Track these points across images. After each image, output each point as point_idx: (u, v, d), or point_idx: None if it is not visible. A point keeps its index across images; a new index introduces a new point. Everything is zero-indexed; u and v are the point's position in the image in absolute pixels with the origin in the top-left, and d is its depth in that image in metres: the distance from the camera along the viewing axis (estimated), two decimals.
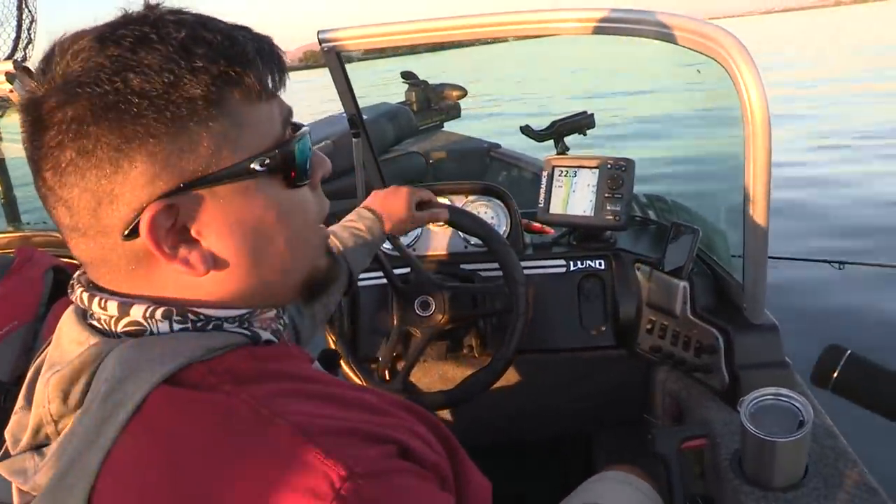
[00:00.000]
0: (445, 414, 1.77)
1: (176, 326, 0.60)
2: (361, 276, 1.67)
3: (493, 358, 1.44)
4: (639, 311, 1.59)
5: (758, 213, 1.20)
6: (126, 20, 0.57)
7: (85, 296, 0.62)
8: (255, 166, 0.59)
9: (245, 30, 0.61)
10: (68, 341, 0.61)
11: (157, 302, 0.60)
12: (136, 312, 0.60)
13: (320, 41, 1.50)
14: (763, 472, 1.11)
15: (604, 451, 1.85)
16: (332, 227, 1.27)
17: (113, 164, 0.54)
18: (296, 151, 0.63)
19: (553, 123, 2.69)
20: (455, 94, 4.74)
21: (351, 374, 1.49)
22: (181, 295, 0.61)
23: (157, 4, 0.59)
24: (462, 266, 1.69)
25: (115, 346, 0.58)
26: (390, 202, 1.34)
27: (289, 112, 0.65)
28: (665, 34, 1.22)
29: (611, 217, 1.61)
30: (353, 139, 1.75)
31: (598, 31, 1.34)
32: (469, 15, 1.46)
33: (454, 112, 4.84)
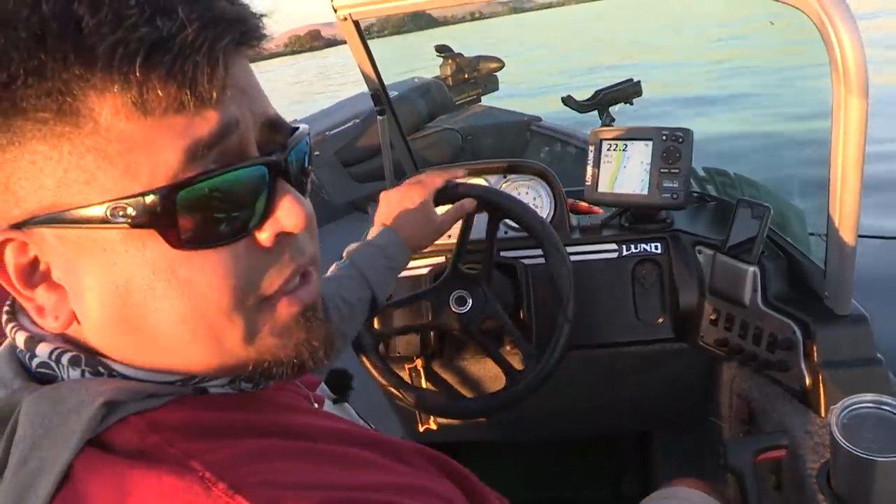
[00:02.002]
0: None
1: (88, 378, 0.47)
2: None
3: (545, 351, 1.29)
4: (701, 299, 1.42)
5: (848, 185, 1.02)
6: None
7: (4, 319, 0.50)
8: (112, 215, 0.42)
9: (184, 3, 0.42)
10: None
11: (68, 342, 0.48)
12: (43, 351, 0.47)
13: (335, 8, 1.35)
14: (859, 495, 0.95)
15: (662, 453, 1.70)
16: (351, 247, 1.11)
17: None
18: (178, 200, 0.43)
19: (597, 93, 2.52)
20: (492, 65, 4.56)
21: (379, 377, 1.35)
22: (91, 342, 0.48)
23: None
24: (501, 253, 1.53)
25: (30, 393, 0.46)
26: (409, 218, 1.15)
27: (214, 132, 0.44)
28: None
29: (667, 195, 1.43)
30: (378, 117, 1.60)
31: None
32: None
33: (492, 85, 4.67)
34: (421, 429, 1.58)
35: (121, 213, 0.42)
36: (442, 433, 1.59)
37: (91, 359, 0.47)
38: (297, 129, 0.53)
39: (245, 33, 0.45)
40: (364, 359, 1.34)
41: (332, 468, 0.47)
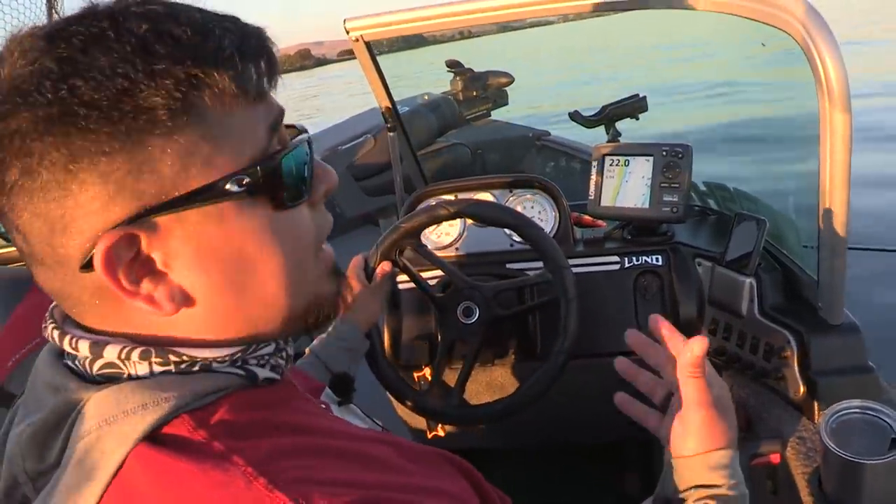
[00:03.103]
0: None
1: (157, 369, 0.52)
2: (399, 279, 1.59)
3: (551, 353, 1.32)
4: (700, 310, 1.46)
5: (836, 198, 1.07)
6: (87, 13, 0.48)
7: (56, 333, 0.54)
8: (231, 187, 0.50)
9: (228, 21, 0.51)
10: (43, 386, 0.54)
11: (134, 340, 0.52)
12: (111, 353, 0.51)
13: (347, 30, 1.41)
14: (849, 497, 0.98)
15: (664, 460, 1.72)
16: (314, 342, 1.23)
17: (61, 186, 0.46)
18: (283, 167, 0.53)
19: (603, 108, 2.55)
20: (502, 80, 4.61)
21: (387, 386, 1.40)
22: (160, 332, 0.53)
23: None
24: (508, 265, 1.58)
25: (93, 393, 0.50)
26: (354, 303, 1.29)
27: (278, 117, 0.54)
28: (724, 4, 1.09)
29: (668, 209, 1.48)
30: (389, 133, 1.66)
31: (652, 4, 1.22)
32: None
33: (501, 100, 4.72)
34: (429, 435, 1.62)
35: (238, 184, 0.50)
36: (449, 439, 1.63)
37: (161, 350, 0.52)
38: (293, 125, 0.63)
39: (274, 44, 0.55)
40: (373, 367, 1.38)
41: (358, 467, 0.51)
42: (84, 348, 0.52)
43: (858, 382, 1.16)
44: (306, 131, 0.59)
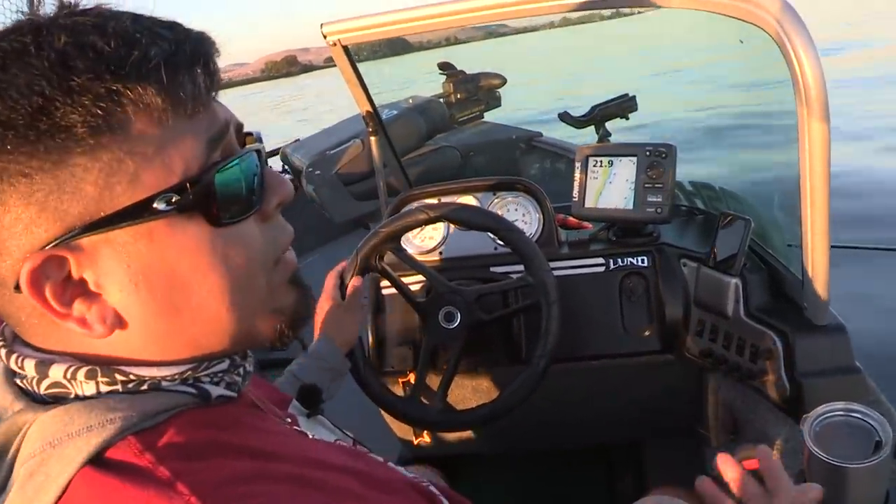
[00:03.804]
0: None
1: (104, 388, 0.50)
2: (384, 285, 1.58)
3: (533, 357, 1.31)
4: (686, 311, 1.44)
5: (816, 196, 1.05)
6: (15, 27, 0.46)
7: (3, 352, 0.53)
8: (159, 205, 0.48)
9: (164, 28, 0.49)
10: None
11: (80, 360, 0.50)
12: (56, 373, 0.50)
13: (324, 34, 1.40)
14: (832, 502, 0.96)
15: (653, 463, 1.71)
16: (292, 365, 1.20)
17: None
18: (216, 182, 0.50)
19: (593, 108, 2.54)
20: (494, 82, 4.58)
21: (370, 394, 1.38)
22: (103, 352, 0.51)
23: (75, 3, 0.48)
24: (492, 269, 1.56)
25: (39, 414, 0.49)
26: (330, 321, 1.26)
27: (223, 128, 0.52)
28: (700, 2, 1.08)
29: (652, 209, 1.46)
30: (371, 138, 1.64)
31: (632, 3, 1.20)
32: None
33: (494, 102, 4.69)
34: (416, 441, 1.60)
35: (167, 202, 0.48)
36: (436, 446, 1.61)
37: (107, 369, 0.50)
38: (251, 133, 0.60)
39: (216, 50, 0.52)
40: (356, 375, 1.37)
41: (309, 492, 0.49)
42: (30, 367, 0.51)
43: (845, 383, 1.14)
44: (260, 140, 0.58)
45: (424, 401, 1.38)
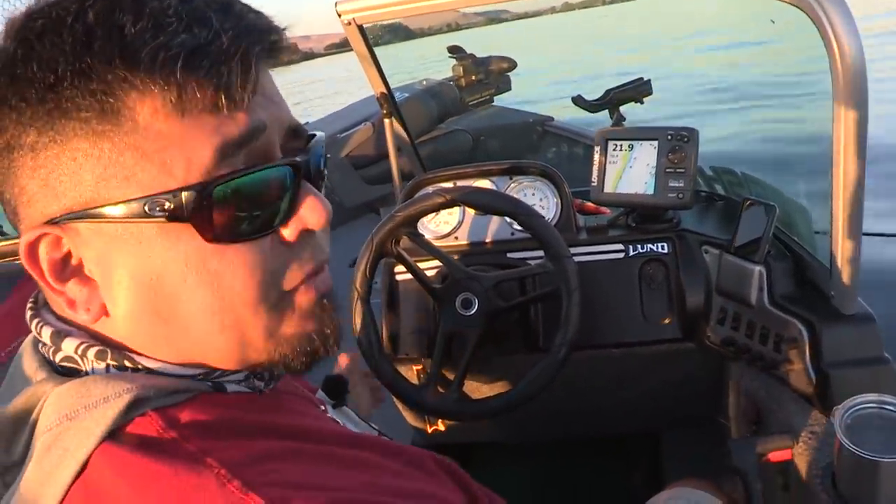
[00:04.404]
0: None
1: (113, 373, 0.49)
2: (398, 270, 1.55)
3: (553, 345, 1.29)
4: (708, 299, 1.41)
5: (850, 184, 1.02)
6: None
7: (29, 315, 0.53)
8: (148, 209, 0.44)
9: (218, 11, 0.45)
10: (19, 374, 0.52)
11: (93, 338, 0.50)
12: (69, 346, 0.49)
13: (339, 13, 1.37)
14: (864, 496, 0.94)
15: (671, 453, 1.69)
16: None
17: (4, 172, 0.46)
18: (215, 196, 0.45)
19: (607, 92, 2.50)
20: (504, 66, 4.54)
21: (384, 381, 1.36)
22: (116, 336, 0.50)
23: None
24: (509, 255, 1.53)
25: (56, 386, 0.48)
26: (356, 394, 1.21)
27: (244, 132, 0.47)
28: None
29: (674, 195, 1.42)
30: (385, 120, 1.61)
31: None
32: None
33: (504, 86, 4.65)
34: (429, 430, 1.58)
35: (158, 207, 0.45)
36: (450, 434, 1.59)
37: (117, 353, 0.49)
38: (315, 135, 0.56)
39: (274, 43, 0.48)
40: (370, 363, 1.34)
41: (338, 470, 0.49)
42: (46, 336, 0.51)
43: (873, 374, 1.11)
44: (300, 154, 0.51)
45: (440, 389, 1.36)
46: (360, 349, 1.34)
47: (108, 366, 0.49)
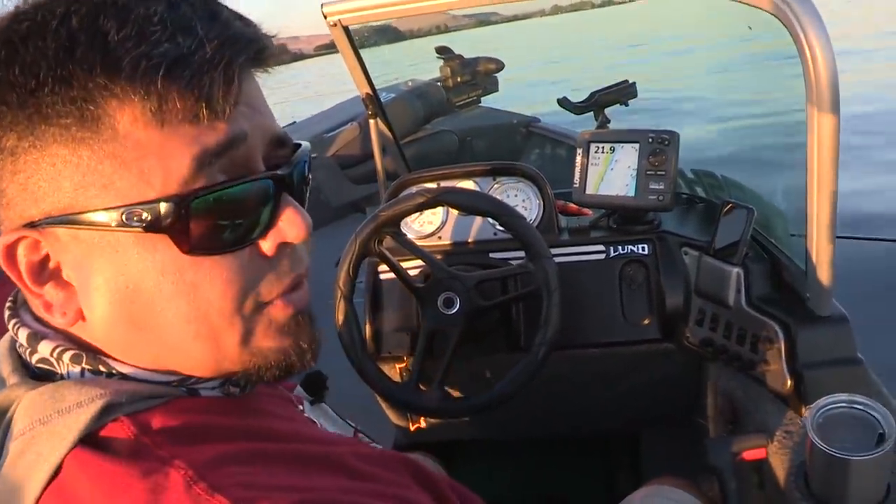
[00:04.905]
0: None
1: (88, 376, 0.50)
2: (382, 269, 1.56)
3: (532, 344, 1.30)
4: (687, 300, 1.43)
5: (823, 185, 1.04)
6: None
7: (7, 315, 0.53)
8: (126, 219, 0.44)
9: (203, 19, 0.45)
10: None
11: (70, 341, 0.50)
12: (45, 349, 0.50)
13: (325, 15, 1.38)
14: (834, 493, 0.96)
15: (652, 453, 1.71)
16: None
17: None
18: (192, 208, 0.45)
19: (592, 94, 2.52)
20: (491, 67, 4.56)
21: (367, 380, 1.37)
22: (91, 339, 0.50)
23: None
24: (491, 255, 1.55)
25: (29, 390, 0.48)
26: None
27: (221, 142, 0.46)
28: None
29: (654, 197, 1.44)
30: (370, 121, 1.62)
31: None
32: None
33: (492, 87, 4.66)
34: (412, 427, 1.60)
35: (135, 217, 0.45)
36: (433, 432, 1.61)
37: (92, 357, 0.49)
38: (300, 145, 0.56)
39: (259, 52, 0.48)
40: (353, 360, 1.35)
41: (307, 471, 0.49)
42: (23, 337, 0.51)
43: (846, 375, 1.13)
44: (283, 165, 0.51)
45: (422, 387, 1.37)
46: (343, 347, 1.35)
47: (83, 370, 0.49)
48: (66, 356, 0.49)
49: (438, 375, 1.35)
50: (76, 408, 0.46)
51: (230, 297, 0.49)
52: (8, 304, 0.54)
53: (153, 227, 0.45)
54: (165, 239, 0.46)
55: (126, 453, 0.45)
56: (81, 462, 0.45)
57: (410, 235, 1.56)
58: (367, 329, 1.56)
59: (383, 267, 1.55)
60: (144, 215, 0.45)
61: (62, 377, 0.50)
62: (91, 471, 0.45)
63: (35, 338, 0.50)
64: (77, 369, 0.49)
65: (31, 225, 0.46)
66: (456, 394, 1.44)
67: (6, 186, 0.46)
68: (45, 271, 0.48)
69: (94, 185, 0.45)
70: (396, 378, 1.49)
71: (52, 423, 0.46)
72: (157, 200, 0.45)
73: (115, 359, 0.50)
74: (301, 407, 0.69)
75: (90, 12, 0.43)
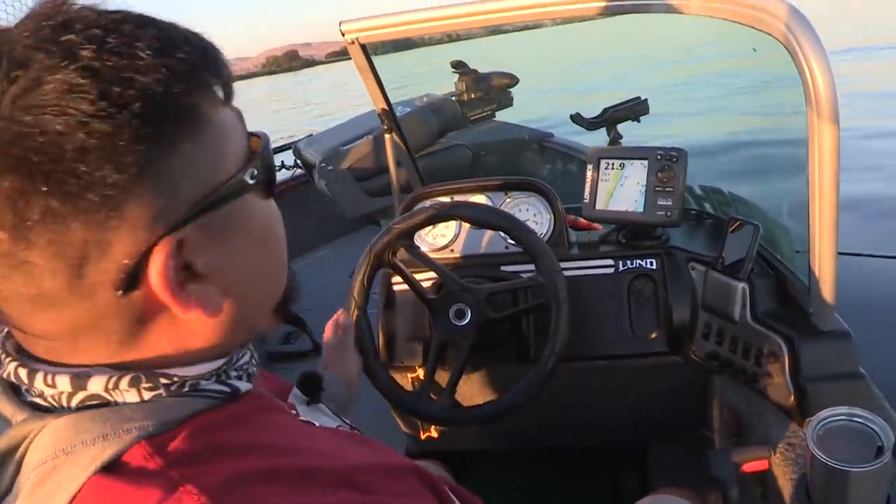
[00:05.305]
0: None
1: (146, 395, 0.50)
2: (395, 281, 1.60)
3: (541, 356, 1.33)
4: (694, 314, 1.46)
5: (825, 203, 1.06)
6: (57, 21, 0.45)
7: (23, 372, 0.50)
8: (247, 178, 0.51)
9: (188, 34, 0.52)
10: None
11: (118, 368, 0.50)
12: (96, 385, 0.49)
13: (343, 33, 1.42)
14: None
15: (658, 464, 1.73)
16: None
17: (111, 204, 0.43)
18: (263, 159, 0.54)
19: (605, 110, 2.55)
20: (505, 81, 4.59)
21: (379, 387, 1.40)
22: (142, 356, 0.51)
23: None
24: (503, 268, 1.58)
25: (49, 421, 0.48)
26: (336, 357, 1.24)
27: (239, 114, 0.55)
28: (713, 9, 1.09)
29: (662, 213, 1.47)
30: (386, 135, 1.66)
31: (641, 9, 1.22)
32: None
33: (506, 101, 4.69)
34: (422, 436, 1.62)
35: (250, 174, 0.52)
36: (443, 441, 1.63)
37: (150, 374, 0.50)
38: None
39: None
40: (365, 367, 1.39)
41: (314, 488, 0.50)
42: (64, 383, 0.49)
43: (848, 389, 1.15)
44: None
45: (433, 396, 1.40)
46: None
47: (139, 391, 0.50)
48: (124, 382, 0.49)
49: (448, 385, 1.38)
50: (101, 440, 0.47)
51: (282, 230, 0.59)
52: (10, 362, 0.51)
53: (260, 178, 0.53)
54: (260, 191, 0.53)
55: (140, 476, 0.46)
56: (98, 489, 0.46)
57: (424, 248, 1.60)
58: (381, 339, 1.60)
59: (397, 278, 1.59)
60: (253, 170, 0.52)
61: (116, 404, 0.50)
62: (106, 496, 0.46)
63: (80, 378, 0.49)
64: (133, 392, 0.50)
65: (177, 225, 0.47)
66: (466, 403, 1.47)
67: (152, 200, 0.45)
68: (180, 275, 0.48)
69: (220, 161, 0.50)
70: (408, 387, 1.52)
71: (75, 454, 0.46)
72: (254, 154, 0.53)
73: (177, 363, 0.52)
74: (295, 411, 0.70)
75: (150, 26, 0.48)
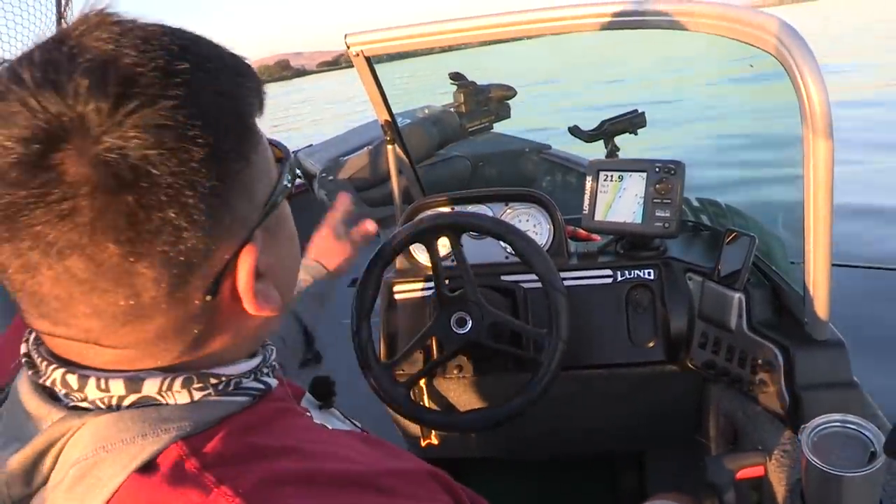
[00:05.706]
0: None
1: (196, 395, 0.52)
2: (397, 290, 1.62)
3: (531, 380, 1.35)
4: (691, 324, 1.48)
5: (819, 215, 1.09)
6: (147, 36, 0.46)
7: (72, 378, 0.50)
8: (287, 182, 0.56)
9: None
10: (25, 415, 0.52)
11: (169, 371, 0.52)
12: (150, 387, 0.51)
13: (348, 45, 1.45)
14: None
15: (655, 471, 1.75)
16: None
17: (214, 213, 0.46)
18: (293, 161, 0.59)
19: (602, 123, 2.58)
20: (503, 93, 4.62)
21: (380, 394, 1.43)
22: (214, 350, 0.54)
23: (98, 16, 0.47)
24: (503, 277, 1.60)
25: (89, 418, 0.50)
26: (322, 245, 1.22)
27: None
28: (712, 26, 1.12)
29: (660, 224, 1.50)
30: (388, 146, 1.69)
31: (639, 25, 1.25)
32: (503, 13, 1.38)
33: (504, 113, 4.72)
34: (423, 443, 1.64)
35: (287, 179, 0.56)
36: (443, 448, 1.65)
37: (202, 375, 0.53)
38: None
39: None
40: (366, 375, 1.41)
41: (341, 492, 0.51)
42: (118, 387, 0.50)
43: (842, 397, 1.18)
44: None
45: (434, 403, 1.42)
46: (359, 364, 1.41)
47: (190, 392, 0.52)
48: (177, 384, 0.51)
49: (451, 391, 1.41)
50: (140, 438, 0.48)
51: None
52: (54, 370, 0.51)
53: (294, 184, 0.57)
54: (288, 194, 0.57)
55: (176, 477, 0.48)
56: (135, 488, 0.47)
57: (423, 257, 1.62)
58: (382, 346, 1.62)
59: (398, 287, 1.61)
60: (288, 175, 0.56)
61: (166, 405, 0.51)
62: (143, 495, 0.47)
63: (134, 381, 0.50)
64: (184, 393, 0.52)
65: (257, 225, 0.52)
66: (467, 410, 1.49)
67: (245, 202, 0.50)
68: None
69: (265, 170, 0.53)
70: (410, 396, 1.54)
71: (115, 451, 0.48)
72: (284, 161, 0.57)
73: (224, 362, 0.55)
74: (309, 414, 0.71)
75: (192, 41, 0.50)
